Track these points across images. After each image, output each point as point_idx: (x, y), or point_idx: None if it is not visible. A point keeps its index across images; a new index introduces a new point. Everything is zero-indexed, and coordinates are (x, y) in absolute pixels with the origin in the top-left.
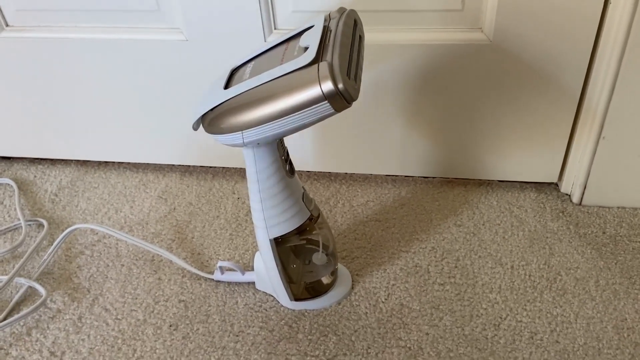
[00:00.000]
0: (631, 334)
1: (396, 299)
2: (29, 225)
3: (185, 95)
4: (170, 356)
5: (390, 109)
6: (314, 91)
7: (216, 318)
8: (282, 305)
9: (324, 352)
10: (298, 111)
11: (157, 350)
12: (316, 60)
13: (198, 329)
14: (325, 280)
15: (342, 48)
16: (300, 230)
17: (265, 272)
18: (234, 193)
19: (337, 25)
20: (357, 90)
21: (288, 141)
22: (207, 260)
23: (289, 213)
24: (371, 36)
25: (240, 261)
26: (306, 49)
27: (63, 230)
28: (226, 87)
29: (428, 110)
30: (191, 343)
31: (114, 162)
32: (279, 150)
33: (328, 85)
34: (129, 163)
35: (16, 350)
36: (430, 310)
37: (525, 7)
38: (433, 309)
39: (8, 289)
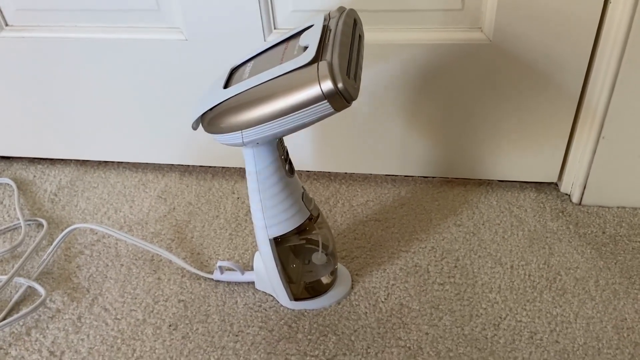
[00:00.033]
0: (631, 333)
1: (396, 298)
2: (29, 225)
3: (185, 95)
4: (170, 356)
5: (390, 109)
6: (313, 90)
7: (216, 318)
8: (281, 305)
9: (324, 352)
10: (297, 110)
11: (156, 350)
12: (316, 59)
13: (197, 329)
14: (325, 280)
15: (342, 47)
16: (299, 230)
17: (265, 272)
18: (234, 193)
19: (337, 25)
20: (357, 90)
21: (288, 141)
22: (207, 260)
23: (289, 213)
24: (371, 36)
25: (240, 261)
26: (306, 48)
27: (62, 230)
28: (226, 86)
29: (428, 110)
30: (190, 343)
31: (113, 162)
32: (278, 149)
33: (328, 85)
34: (128, 163)
35: (15, 350)
36: (429, 310)
37: (525, 6)
38: (433, 308)
39: (7, 288)
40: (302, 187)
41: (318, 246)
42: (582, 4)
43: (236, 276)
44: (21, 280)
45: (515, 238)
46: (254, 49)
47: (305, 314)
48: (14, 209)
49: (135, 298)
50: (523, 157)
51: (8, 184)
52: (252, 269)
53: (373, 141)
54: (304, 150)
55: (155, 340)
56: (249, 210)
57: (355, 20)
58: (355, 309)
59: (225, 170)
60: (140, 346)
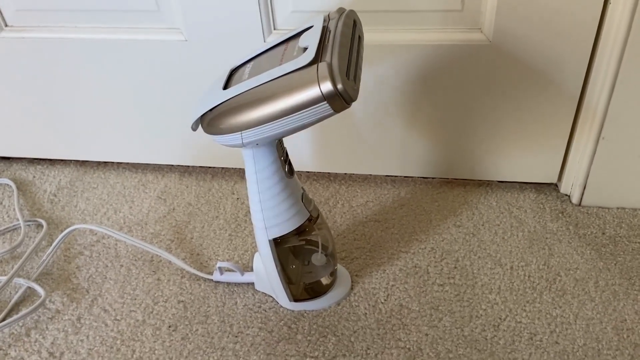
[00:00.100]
0: (631, 334)
1: (395, 299)
2: (28, 225)
3: (185, 96)
4: (169, 357)
5: (390, 109)
6: (313, 92)
7: (215, 319)
8: (281, 306)
9: (323, 352)
10: (297, 112)
11: (156, 351)
12: (315, 60)
13: (197, 330)
14: (325, 280)
15: (342, 48)
16: (299, 231)
17: (265, 273)
18: (233, 193)
19: (337, 26)
20: (357, 91)
21: (287, 142)
22: (206, 261)
23: (289, 214)
24: (371, 36)
25: (240, 262)
26: (305, 49)
27: (62, 231)
28: (225, 87)
29: (427, 111)
30: (190, 344)
31: (113, 163)
32: (278, 150)
33: (327, 86)
34: (128, 163)
35: (15, 350)
36: (429, 311)
37: (525, 7)
38: (432, 309)
39: (7, 289)
40: (302, 187)
41: (318, 247)
42: (582, 4)
43: (236, 277)
44: (21, 281)
45: (515, 239)
46: (254, 49)
47: (305, 314)
48: (14, 209)
49: (135, 299)
50: (523, 157)
51: (8, 185)
52: (251, 270)
53: (373, 142)
54: (303, 151)
55: (154, 341)
56: (249, 211)
57: (354, 21)
58: (355, 310)
59: (225, 170)
60: (139, 347)
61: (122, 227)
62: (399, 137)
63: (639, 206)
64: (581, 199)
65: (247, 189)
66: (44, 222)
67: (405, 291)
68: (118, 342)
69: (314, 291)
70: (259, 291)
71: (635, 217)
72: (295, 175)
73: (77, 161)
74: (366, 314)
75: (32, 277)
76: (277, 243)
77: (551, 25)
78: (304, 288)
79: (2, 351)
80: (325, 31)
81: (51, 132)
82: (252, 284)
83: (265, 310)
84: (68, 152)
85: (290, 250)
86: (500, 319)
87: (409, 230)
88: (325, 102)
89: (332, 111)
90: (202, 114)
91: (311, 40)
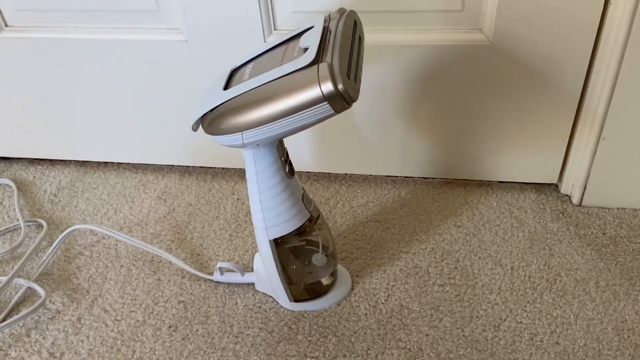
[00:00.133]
0: (631, 335)
1: (396, 300)
2: (28, 225)
3: (185, 96)
4: (170, 357)
5: (390, 110)
6: (313, 92)
7: (215, 319)
8: (281, 307)
9: (324, 353)
10: (298, 112)
11: (156, 352)
12: (316, 61)
13: (197, 330)
14: (325, 281)
15: (342, 49)
16: (299, 231)
17: (265, 273)
18: (234, 194)
19: (337, 26)
20: (357, 91)
21: (288, 142)
22: (207, 261)
23: (289, 214)
24: (371, 37)
25: (240, 262)
26: (306, 49)
27: (62, 231)
28: (226, 87)
29: (428, 111)
30: (190, 344)
31: (113, 163)
32: (278, 151)
33: (328, 86)
34: (128, 164)
35: (15, 351)
36: (430, 311)
37: (525, 7)
38: (433, 310)
39: (7, 289)
40: (302, 188)
41: (318, 247)
42: (582, 4)
43: (236, 277)
44: (21, 281)
45: (516, 239)
46: (254, 50)
47: (305, 315)
48: (14, 209)
49: (135, 299)
50: (523, 158)
51: (8, 185)
52: (252, 270)
53: (373, 142)
54: (304, 151)
55: (155, 342)
56: (249, 211)
57: (355, 22)
58: (355, 310)
59: (225, 171)
60: (140, 347)
61: (122, 228)
62: (399, 137)
63: (639, 206)
64: (581, 199)
65: (248, 189)
66: (44, 223)
67: (406, 291)
68: (118, 342)
69: (315, 291)
70: (260, 291)
71: (636, 218)
72: (296, 175)
73: (77, 161)
74: (367, 314)
75: (33, 278)
76: (278, 243)
77: (552, 26)
78: (304, 288)
79: (3, 351)
80: (325, 31)
81: (51, 132)
82: (253, 284)
83: (266, 311)
84: (68, 152)
85: (291, 251)
86: (500, 319)
87: (410, 230)
88: (326, 102)
89: (333, 112)
90: (202, 114)
91: (312, 41)
